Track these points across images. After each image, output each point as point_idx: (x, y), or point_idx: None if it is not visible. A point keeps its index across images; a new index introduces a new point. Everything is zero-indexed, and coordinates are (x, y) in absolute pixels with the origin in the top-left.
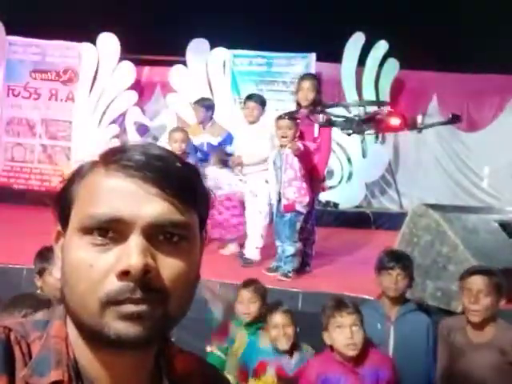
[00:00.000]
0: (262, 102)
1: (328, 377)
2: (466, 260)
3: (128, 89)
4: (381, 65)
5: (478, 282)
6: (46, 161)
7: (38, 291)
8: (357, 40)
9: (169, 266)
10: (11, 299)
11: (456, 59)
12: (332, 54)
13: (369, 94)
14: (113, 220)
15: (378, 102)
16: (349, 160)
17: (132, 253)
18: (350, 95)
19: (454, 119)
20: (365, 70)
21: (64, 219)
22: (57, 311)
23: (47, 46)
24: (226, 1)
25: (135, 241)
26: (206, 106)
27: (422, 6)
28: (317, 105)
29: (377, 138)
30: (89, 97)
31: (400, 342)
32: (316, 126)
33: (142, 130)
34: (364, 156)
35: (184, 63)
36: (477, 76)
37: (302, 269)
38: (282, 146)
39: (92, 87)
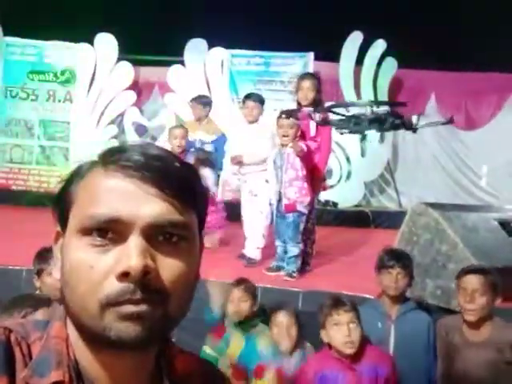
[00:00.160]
0: (261, 101)
1: (325, 374)
2: (466, 258)
3: (126, 89)
4: (379, 64)
5: (473, 281)
6: (45, 162)
7: (37, 292)
8: (355, 39)
9: (168, 267)
10: (11, 300)
11: (454, 58)
12: (330, 53)
13: (367, 93)
14: (112, 220)
15: (392, 103)
16: (348, 159)
17: (131, 254)
18: (348, 94)
19: (449, 121)
20: (363, 69)
21: (63, 220)
22: (57, 312)
23: (45, 47)
24: (224, 1)
25: (134, 241)
26: (204, 102)
27: (420, 5)
28: (317, 104)
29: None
30: (87, 97)
31: (400, 341)
32: (313, 124)
33: (141, 130)
34: (363, 155)
35: (182, 63)
36: (475, 75)
37: (302, 268)
38: (282, 145)
39: (90, 88)
